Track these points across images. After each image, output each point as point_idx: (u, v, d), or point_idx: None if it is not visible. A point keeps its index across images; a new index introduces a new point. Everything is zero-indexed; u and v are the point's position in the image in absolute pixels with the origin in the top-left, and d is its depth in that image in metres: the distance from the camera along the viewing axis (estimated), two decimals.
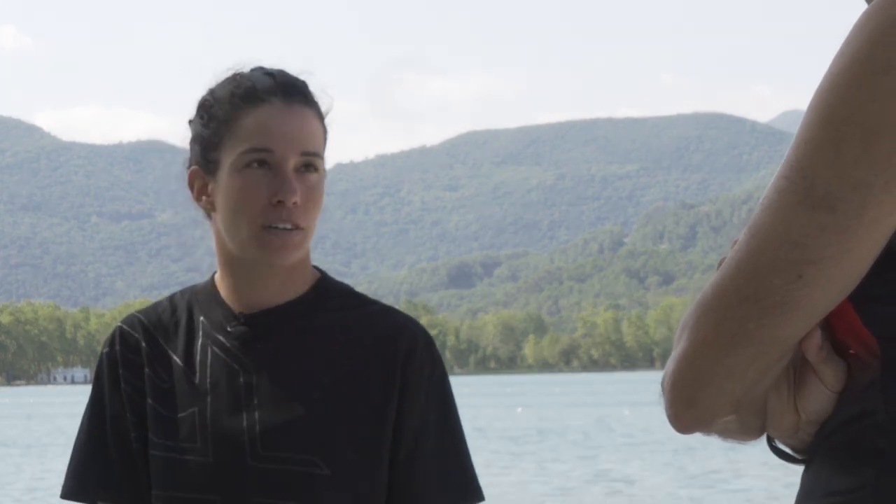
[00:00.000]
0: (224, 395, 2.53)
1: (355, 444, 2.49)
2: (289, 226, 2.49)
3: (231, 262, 2.56)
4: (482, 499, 2.57)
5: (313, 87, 2.58)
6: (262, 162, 2.49)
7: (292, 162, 2.50)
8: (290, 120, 2.51)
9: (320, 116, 2.56)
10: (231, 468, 2.49)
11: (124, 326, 2.62)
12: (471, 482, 2.56)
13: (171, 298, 2.66)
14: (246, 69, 2.57)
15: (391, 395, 2.50)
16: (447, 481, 2.53)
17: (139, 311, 2.65)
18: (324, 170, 2.54)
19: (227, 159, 2.51)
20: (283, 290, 2.56)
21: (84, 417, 2.62)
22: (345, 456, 2.49)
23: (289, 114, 2.51)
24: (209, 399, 2.53)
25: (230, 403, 2.52)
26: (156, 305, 2.66)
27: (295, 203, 2.48)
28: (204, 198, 2.56)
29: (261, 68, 2.57)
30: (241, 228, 2.50)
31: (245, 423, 2.50)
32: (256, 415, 2.50)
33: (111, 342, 2.60)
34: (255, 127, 2.50)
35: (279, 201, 2.48)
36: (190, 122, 2.61)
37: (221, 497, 2.49)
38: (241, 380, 2.52)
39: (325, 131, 2.56)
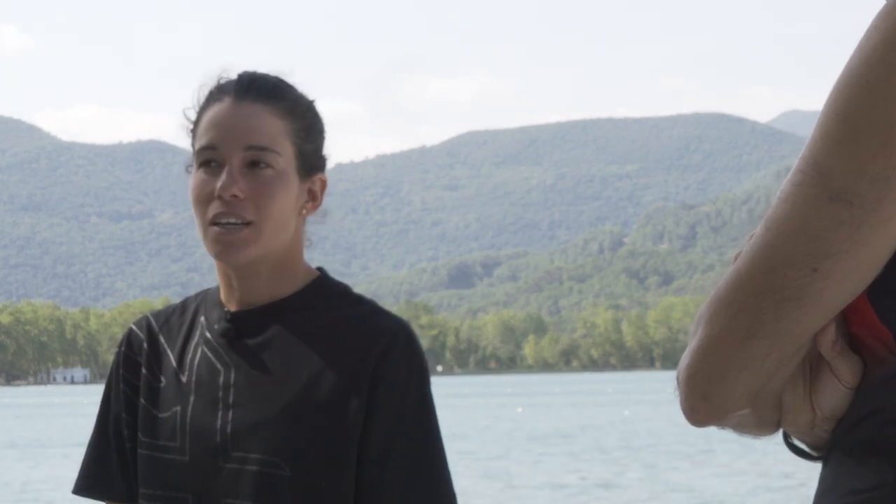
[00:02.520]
0: (205, 394, 2.53)
1: (320, 446, 2.45)
2: (233, 219, 2.45)
3: (218, 263, 2.57)
4: None
5: (297, 86, 2.55)
6: (210, 160, 2.49)
7: (237, 157, 2.47)
8: (235, 116, 2.48)
9: (284, 113, 2.51)
10: (204, 468, 2.49)
11: (133, 327, 2.65)
12: (443, 489, 2.49)
13: (186, 299, 2.68)
14: (233, 73, 2.57)
15: (361, 396, 2.46)
16: (417, 486, 2.46)
17: (152, 312, 2.68)
18: (288, 165, 2.50)
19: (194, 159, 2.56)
20: (271, 289, 2.54)
21: (97, 416, 2.68)
22: (308, 458, 2.45)
23: (235, 110, 2.49)
24: (192, 398, 2.53)
25: (209, 402, 2.52)
26: (170, 306, 2.68)
27: (234, 196, 2.44)
28: None
29: (244, 71, 2.57)
30: (198, 227, 2.50)
31: (219, 423, 2.50)
32: (230, 414, 2.50)
33: (120, 343, 2.65)
34: (205, 125, 2.51)
35: (219, 195, 2.46)
36: None
37: (194, 496, 2.50)
38: (222, 379, 2.52)
39: (295, 128, 2.52)
